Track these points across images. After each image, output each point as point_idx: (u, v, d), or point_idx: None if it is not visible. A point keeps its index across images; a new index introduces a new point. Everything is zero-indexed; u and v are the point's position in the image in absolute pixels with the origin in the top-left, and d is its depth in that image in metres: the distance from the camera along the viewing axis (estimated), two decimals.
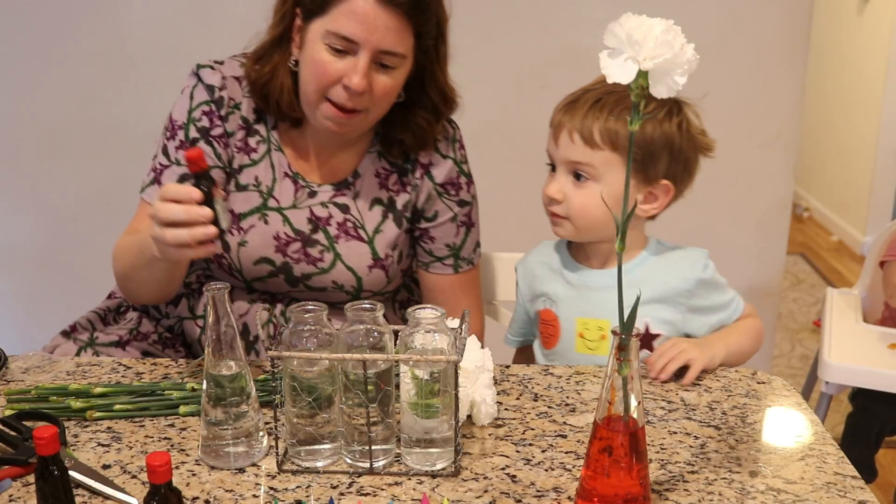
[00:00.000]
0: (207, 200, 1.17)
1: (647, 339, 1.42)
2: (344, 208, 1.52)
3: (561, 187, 1.40)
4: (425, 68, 1.46)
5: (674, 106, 1.38)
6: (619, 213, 1.37)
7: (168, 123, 1.50)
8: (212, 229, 1.17)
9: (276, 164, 1.50)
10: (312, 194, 1.51)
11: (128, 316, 1.61)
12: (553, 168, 1.43)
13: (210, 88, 1.48)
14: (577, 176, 1.39)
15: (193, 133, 1.47)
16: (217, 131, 1.48)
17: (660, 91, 0.90)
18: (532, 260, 1.53)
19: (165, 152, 1.48)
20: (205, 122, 1.47)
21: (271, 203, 1.49)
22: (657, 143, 1.36)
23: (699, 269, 1.42)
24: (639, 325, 1.40)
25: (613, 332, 0.98)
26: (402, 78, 1.42)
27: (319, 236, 1.50)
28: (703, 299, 1.43)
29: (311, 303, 1.12)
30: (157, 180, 1.48)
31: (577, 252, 1.48)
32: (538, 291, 1.48)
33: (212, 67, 1.49)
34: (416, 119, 1.49)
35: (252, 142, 1.50)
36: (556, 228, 1.44)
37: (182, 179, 1.45)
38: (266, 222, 1.48)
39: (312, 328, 1.10)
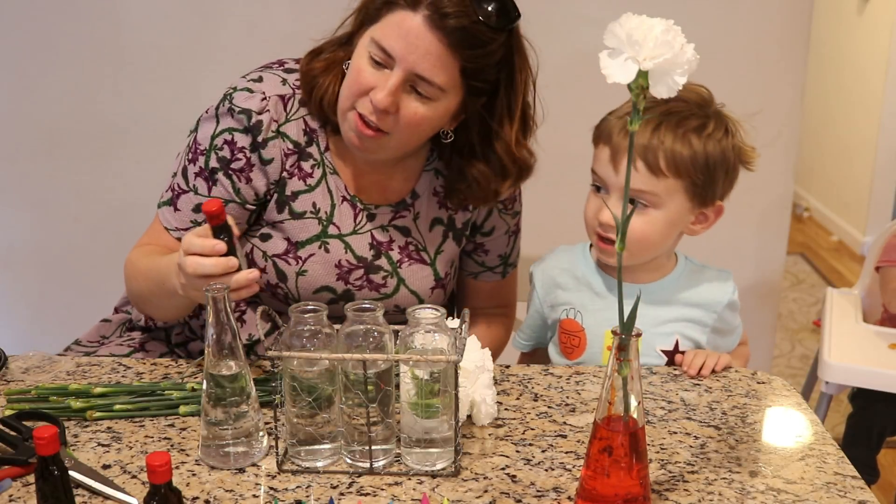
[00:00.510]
0: (229, 249, 1.19)
1: (674, 355, 1.43)
2: (405, 231, 1.48)
3: (619, 213, 1.36)
4: (483, 120, 1.39)
5: (728, 125, 1.36)
6: (670, 238, 1.38)
7: (192, 143, 1.43)
8: (254, 273, 1.19)
9: (334, 189, 1.44)
10: (371, 217, 1.46)
11: (132, 334, 1.59)
12: (598, 189, 1.38)
13: (245, 113, 1.38)
14: (632, 202, 1.33)
15: (213, 162, 1.40)
16: (238, 164, 1.39)
17: (660, 91, 0.90)
18: (552, 266, 1.50)
19: (185, 175, 1.42)
20: (226, 153, 1.40)
21: (331, 230, 1.43)
22: (717, 164, 1.33)
23: (729, 291, 1.43)
24: (669, 342, 1.41)
25: (613, 333, 0.98)
26: (439, 113, 1.33)
27: (382, 262, 1.46)
28: (724, 322, 1.44)
29: (311, 303, 1.12)
30: (173, 203, 1.43)
31: (604, 263, 1.45)
32: (560, 300, 1.46)
33: (249, 90, 1.40)
34: (470, 171, 1.42)
35: (306, 166, 1.42)
36: (608, 258, 1.40)
37: (198, 209, 1.42)
38: (327, 250, 1.43)
39: (312, 328, 1.10)
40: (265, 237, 1.44)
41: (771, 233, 2.58)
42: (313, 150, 1.43)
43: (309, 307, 1.11)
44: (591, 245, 1.47)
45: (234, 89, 1.41)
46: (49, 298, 2.55)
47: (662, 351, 1.42)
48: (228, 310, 1.10)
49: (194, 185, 1.42)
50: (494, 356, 1.62)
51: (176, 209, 1.43)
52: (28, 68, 2.37)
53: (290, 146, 1.41)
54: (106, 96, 2.38)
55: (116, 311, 1.65)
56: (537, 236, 2.42)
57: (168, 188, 1.45)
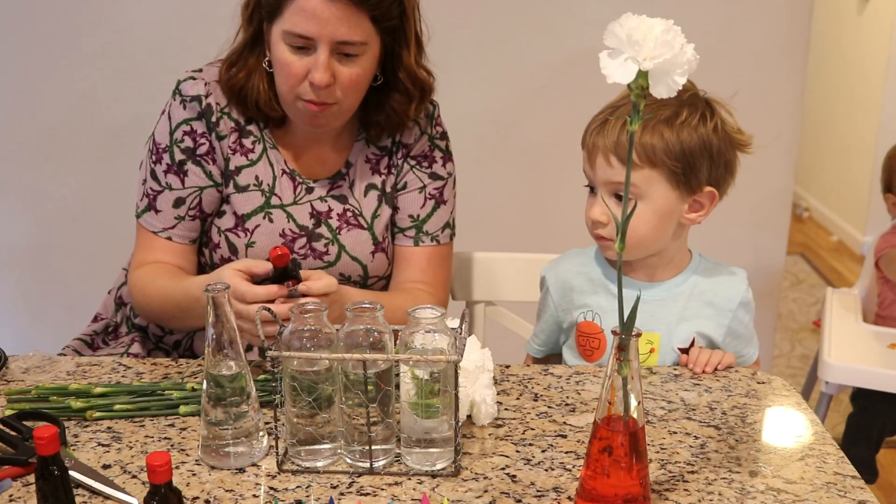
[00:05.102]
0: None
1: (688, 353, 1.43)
2: (342, 199, 1.54)
3: (604, 210, 1.36)
4: (393, 51, 1.47)
5: (706, 109, 1.36)
6: (666, 229, 1.38)
7: (152, 146, 1.50)
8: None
9: (274, 162, 1.51)
10: (310, 190, 1.53)
11: (121, 340, 1.60)
12: (592, 190, 1.40)
13: (196, 99, 1.48)
14: (619, 196, 1.35)
15: (179, 155, 1.48)
16: (203, 149, 1.48)
17: (660, 91, 0.90)
18: (566, 269, 1.49)
19: (155, 177, 1.49)
20: (188, 143, 1.48)
21: (274, 201, 1.50)
22: (696, 151, 1.33)
23: (743, 290, 1.43)
24: (686, 339, 1.42)
25: (613, 333, 0.98)
26: (369, 64, 1.42)
27: (322, 230, 1.52)
28: (740, 322, 1.44)
29: (311, 302, 1.12)
30: (152, 206, 1.50)
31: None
32: (578, 303, 1.46)
33: (192, 78, 1.49)
34: (390, 101, 1.50)
35: (247, 142, 1.50)
36: (606, 251, 1.42)
37: (178, 203, 1.48)
38: (271, 220, 1.49)
39: (312, 328, 1.10)
40: (220, 213, 1.51)
41: (771, 233, 2.58)
42: (253, 127, 1.51)
43: (309, 307, 1.11)
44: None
45: (180, 81, 1.50)
46: (49, 298, 2.55)
47: (679, 349, 1.42)
48: (228, 309, 1.10)
49: (167, 183, 1.49)
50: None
51: (157, 211, 1.50)
52: (28, 68, 2.37)
53: (233, 125, 1.50)
54: (106, 96, 2.38)
55: (96, 319, 1.66)
56: (531, 234, 2.42)
57: (141, 196, 1.52)
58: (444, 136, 1.60)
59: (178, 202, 1.49)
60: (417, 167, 1.57)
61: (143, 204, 1.51)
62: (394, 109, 1.50)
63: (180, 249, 1.51)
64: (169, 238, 1.50)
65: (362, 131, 1.56)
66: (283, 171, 1.51)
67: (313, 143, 1.53)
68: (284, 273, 1.28)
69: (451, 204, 1.61)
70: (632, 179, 1.30)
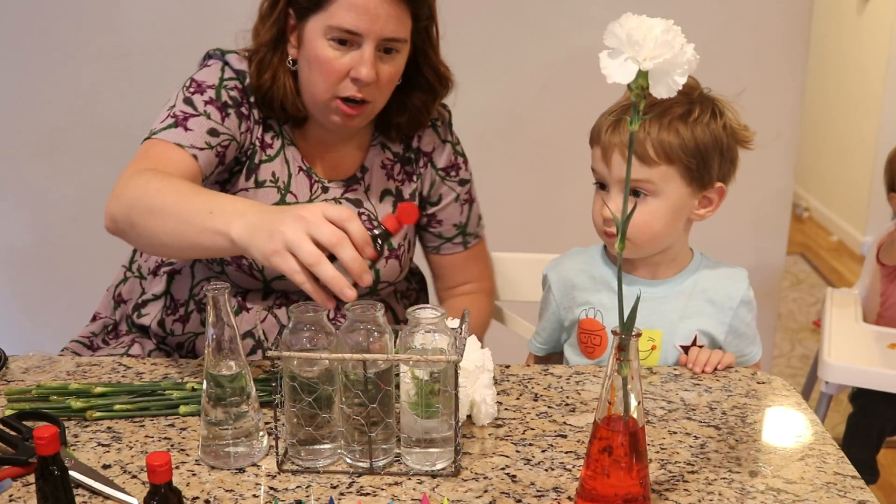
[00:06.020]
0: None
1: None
2: (357, 203, 1.53)
3: (618, 206, 1.36)
4: (418, 49, 1.47)
5: (714, 107, 1.38)
6: (677, 226, 1.39)
7: (190, 83, 1.43)
8: (351, 293, 1.09)
9: (291, 159, 1.50)
10: (325, 190, 1.52)
11: (121, 339, 1.59)
12: (601, 186, 1.41)
13: (241, 73, 1.46)
14: (635, 193, 1.35)
15: (225, 97, 1.42)
16: (244, 110, 1.45)
17: (660, 91, 0.90)
18: (568, 267, 1.50)
19: (191, 103, 1.41)
20: (236, 94, 1.44)
21: (289, 199, 1.49)
22: (709, 147, 1.35)
23: (744, 288, 1.43)
24: (688, 337, 1.42)
25: (613, 332, 0.98)
26: (403, 62, 1.43)
27: None
28: (742, 321, 1.44)
29: (311, 302, 1.12)
30: (180, 125, 1.37)
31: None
32: (579, 300, 1.46)
33: (237, 53, 1.47)
34: (411, 100, 1.51)
35: (267, 137, 1.49)
36: (615, 250, 1.43)
37: (213, 133, 1.38)
38: None
39: (312, 328, 1.10)
40: None
41: (771, 232, 2.58)
42: (272, 122, 1.49)
43: (309, 307, 1.11)
44: (605, 245, 1.48)
45: (224, 52, 1.47)
46: (49, 298, 2.55)
47: (681, 346, 1.42)
48: (229, 309, 1.10)
49: (206, 111, 1.41)
50: (483, 328, 1.67)
51: (187, 129, 1.37)
52: (29, 68, 2.37)
53: (258, 115, 1.48)
54: (106, 96, 2.38)
55: (95, 318, 1.65)
56: (532, 234, 2.42)
57: (166, 117, 1.38)
58: (458, 140, 1.63)
59: (213, 132, 1.39)
60: (448, 178, 1.59)
61: (166, 122, 1.37)
62: (416, 108, 1.51)
63: (198, 176, 1.34)
64: (195, 157, 1.34)
65: (377, 136, 1.55)
66: (300, 169, 1.50)
67: (329, 145, 1.52)
68: (383, 238, 1.14)
69: (477, 196, 1.66)
70: (648, 176, 1.34)
